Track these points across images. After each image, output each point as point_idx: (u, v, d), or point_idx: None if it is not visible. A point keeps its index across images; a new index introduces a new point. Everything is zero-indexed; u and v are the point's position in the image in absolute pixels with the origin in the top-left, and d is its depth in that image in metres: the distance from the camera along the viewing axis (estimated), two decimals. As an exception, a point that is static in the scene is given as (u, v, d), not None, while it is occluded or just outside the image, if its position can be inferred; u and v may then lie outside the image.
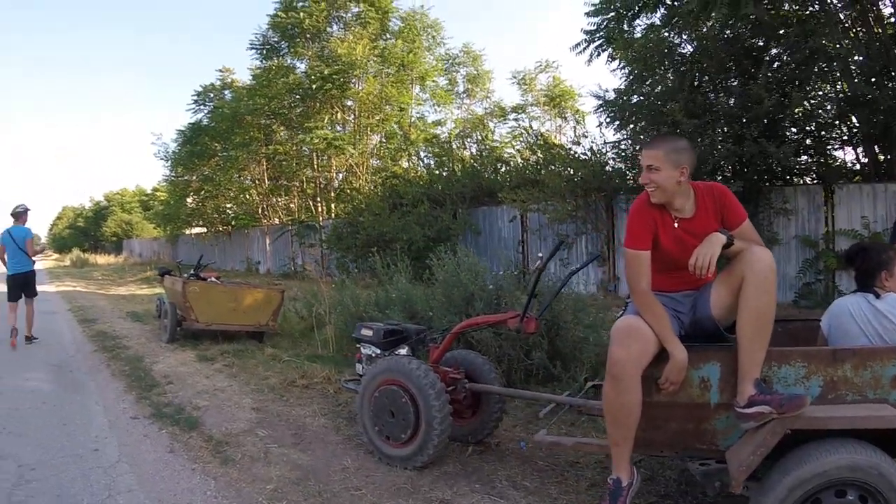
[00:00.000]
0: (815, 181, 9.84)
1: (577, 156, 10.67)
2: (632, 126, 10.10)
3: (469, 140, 21.65)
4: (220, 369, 6.79)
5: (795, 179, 9.93)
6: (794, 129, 9.60)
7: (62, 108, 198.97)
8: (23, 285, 8.59)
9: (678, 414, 2.67)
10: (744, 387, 2.46)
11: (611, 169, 10.45)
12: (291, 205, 23.32)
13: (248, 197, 23.85)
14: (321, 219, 19.44)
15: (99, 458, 4.01)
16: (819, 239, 9.03)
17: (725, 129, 8.82)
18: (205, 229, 27.28)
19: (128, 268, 30.32)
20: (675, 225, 2.73)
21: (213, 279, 9.01)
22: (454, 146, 18.89)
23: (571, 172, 10.24)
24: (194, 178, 25.49)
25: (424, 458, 3.57)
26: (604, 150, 10.61)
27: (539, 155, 12.17)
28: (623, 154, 10.38)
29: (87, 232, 56.76)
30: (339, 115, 20.70)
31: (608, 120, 10.52)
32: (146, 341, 8.72)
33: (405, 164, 19.89)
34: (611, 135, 11.26)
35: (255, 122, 21.66)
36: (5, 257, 8.54)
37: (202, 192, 24.97)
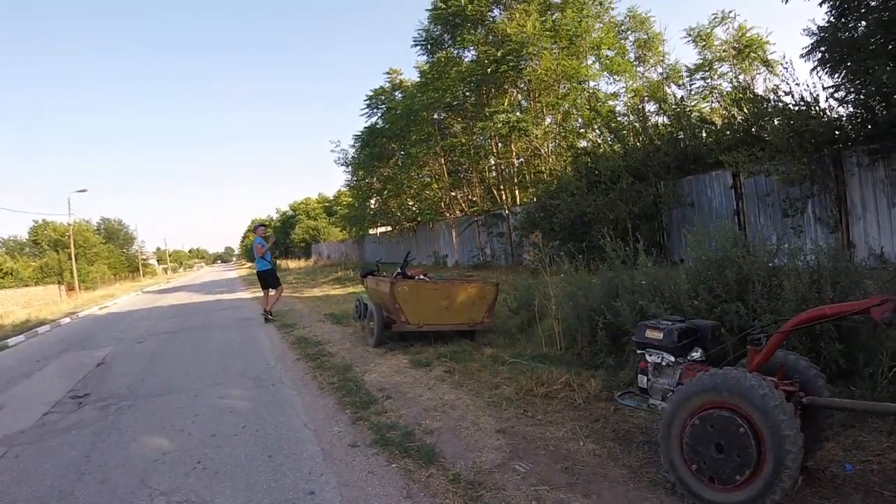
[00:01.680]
0: None
1: (794, 107, 8.96)
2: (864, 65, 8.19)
3: (651, 108, 19.96)
4: (440, 377, 6.15)
5: None
6: None
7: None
8: (263, 278, 12.27)
9: None
10: None
11: (838, 118, 8.66)
12: (471, 196, 23.19)
13: (429, 192, 24.07)
14: (506, 207, 18.97)
15: (317, 507, 3.36)
16: None
17: None
18: (389, 228, 28.15)
19: (318, 270, 32.34)
20: None
21: (421, 276, 8.66)
22: (645, 112, 17.37)
23: (794, 124, 8.58)
24: (375, 179, 26.40)
25: (767, 504, 2.73)
26: (823, 98, 8.78)
27: (745, 110, 10.49)
28: (858, 99, 8.51)
29: (276, 240, 62.25)
30: (516, 97, 20.07)
31: (830, 61, 8.68)
32: (351, 346, 8.35)
33: (592, 140, 18.74)
34: (828, 80, 9.23)
35: (429, 117, 21.75)
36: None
37: (384, 192, 25.73)
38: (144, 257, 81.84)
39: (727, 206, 10.55)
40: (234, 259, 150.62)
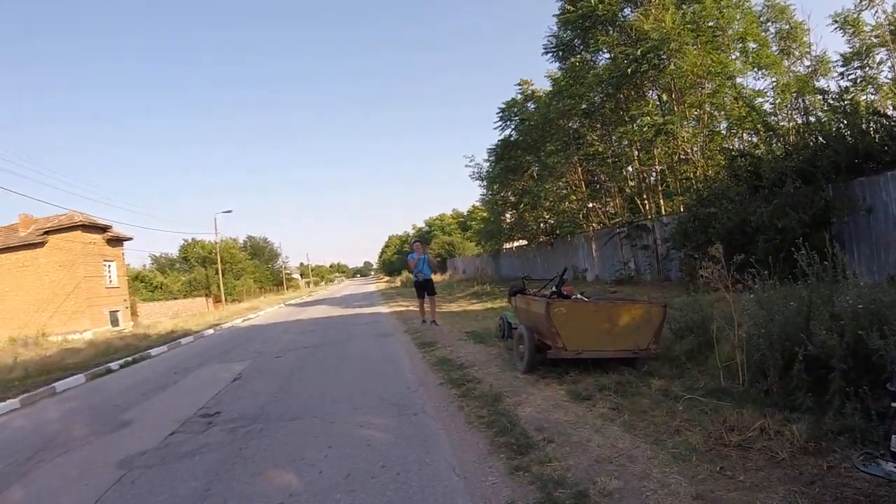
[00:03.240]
0: None
1: None
2: None
3: (802, 103, 17.99)
4: (606, 415, 5.38)
5: None
6: None
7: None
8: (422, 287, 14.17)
9: None
10: None
11: None
12: (608, 208, 22.16)
13: (567, 204, 23.32)
14: (651, 217, 17.85)
15: None
16: None
17: None
18: (525, 242, 27.69)
19: (455, 284, 32.43)
20: None
21: (578, 296, 7.93)
22: (806, 107, 15.68)
23: None
24: (510, 192, 26.10)
25: None
26: None
27: None
28: None
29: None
30: (657, 99, 18.95)
31: None
32: (498, 371, 7.66)
33: (744, 140, 17.22)
34: None
35: (565, 126, 21.10)
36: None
37: (520, 206, 25.32)
38: (288, 272, 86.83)
39: (912, 213, 9.02)
40: (373, 273, 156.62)
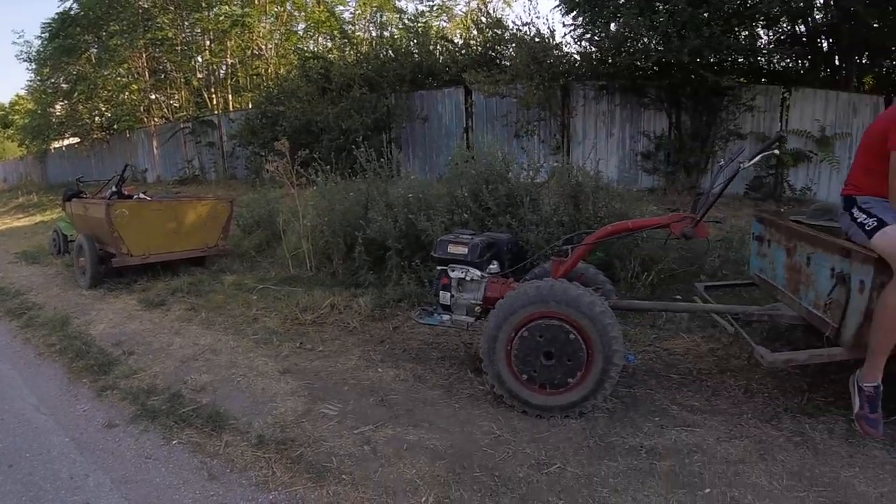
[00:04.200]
0: (774, 82, 9.80)
1: (531, 38, 9.69)
2: (590, 12, 9.19)
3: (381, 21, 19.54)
4: (184, 317, 5.29)
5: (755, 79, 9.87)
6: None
7: None
8: None
9: None
10: None
11: (574, 54, 9.68)
12: (173, 101, 20.38)
13: (127, 95, 20.44)
14: (217, 112, 17.15)
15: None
16: (774, 136, 9.16)
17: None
18: (78, 140, 23.38)
19: (-8, 196, 25.96)
20: None
21: (141, 196, 7.33)
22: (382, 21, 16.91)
23: (535, 53, 9.29)
24: (62, 78, 21.37)
25: (597, 401, 2.93)
26: (560, 33, 9.78)
27: (488, 35, 10.97)
28: (593, 40, 9.55)
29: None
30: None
31: (569, 3, 9.55)
32: (60, 291, 6.77)
33: (321, 44, 17.68)
34: (568, 19, 10.15)
35: (136, 2, 18.18)
36: None
37: (74, 95, 21.05)
38: None
39: (457, 123, 11.01)
40: None
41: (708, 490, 2.46)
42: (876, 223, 2.64)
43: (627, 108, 9.26)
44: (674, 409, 3.09)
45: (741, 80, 9.20)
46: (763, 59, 9.91)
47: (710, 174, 8.86)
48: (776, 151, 3.11)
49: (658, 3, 8.37)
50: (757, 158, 2.95)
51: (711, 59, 8.03)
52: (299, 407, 3.30)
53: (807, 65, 10.85)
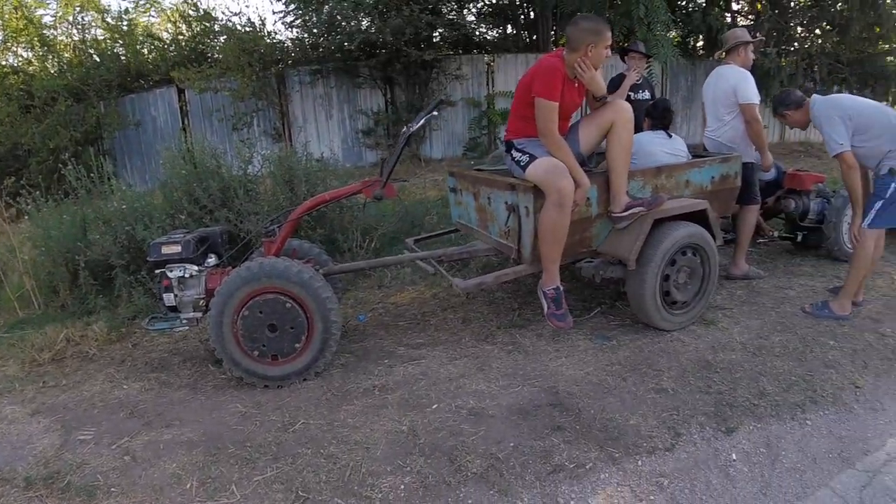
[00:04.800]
0: (479, 52, 10.82)
1: (242, 28, 9.55)
2: None
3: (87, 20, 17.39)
4: None
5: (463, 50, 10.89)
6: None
7: None
8: None
9: (572, 228, 3.23)
10: (620, 199, 3.32)
11: (286, 41, 9.76)
12: None
13: None
14: None
15: None
16: (482, 100, 10.23)
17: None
18: None
19: None
20: (576, 84, 3.29)
21: None
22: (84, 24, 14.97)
23: (244, 44, 9.17)
24: None
25: (327, 359, 3.19)
26: (270, 21, 9.79)
27: (197, 28, 10.49)
28: (304, 25, 9.67)
29: None
30: None
31: None
32: None
33: (20, 56, 15.23)
34: (279, 6, 10.13)
35: None
36: None
37: None
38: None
39: (174, 124, 10.47)
40: None
41: (435, 406, 2.86)
42: (528, 158, 3.21)
43: (343, 88, 9.60)
44: (401, 350, 3.47)
45: (449, 52, 10.09)
46: (468, 31, 10.97)
47: (428, 141, 9.68)
48: (435, 113, 3.58)
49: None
50: (421, 121, 3.40)
51: (413, 37, 8.62)
52: (56, 441, 3.14)
53: (512, 33, 12.28)
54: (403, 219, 5.44)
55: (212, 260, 3.58)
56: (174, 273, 3.45)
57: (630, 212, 3.30)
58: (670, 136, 4.08)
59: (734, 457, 2.51)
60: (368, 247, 4.82)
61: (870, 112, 3.70)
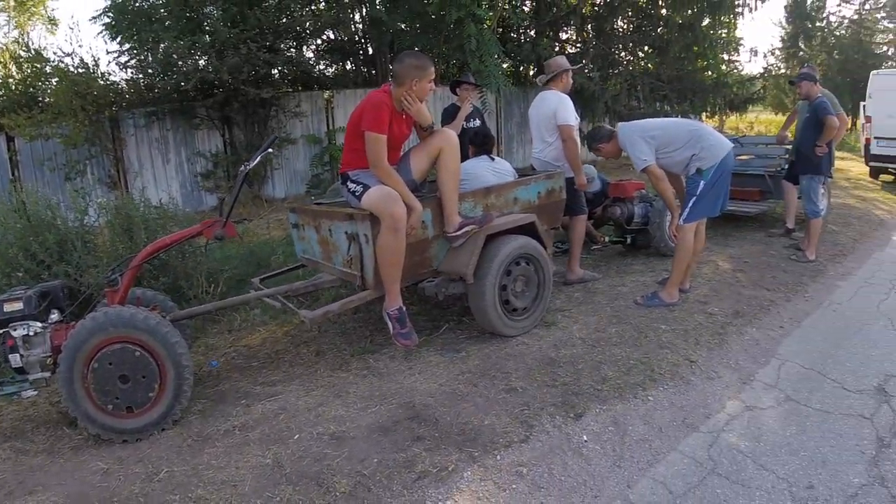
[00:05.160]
0: (319, 88, 10.94)
1: (76, 69, 9.02)
2: (137, 35, 8.98)
3: None
4: None
5: (300, 87, 10.98)
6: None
7: None
8: None
9: (410, 251, 3.46)
10: (453, 219, 3.61)
11: (120, 82, 9.32)
12: None
13: None
14: None
15: None
16: (323, 136, 10.40)
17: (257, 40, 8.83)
18: None
19: None
20: (404, 116, 3.53)
21: None
22: None
23: (76, 87, 8.65)
24: None
25: (183, 405, 3.15)
26: (105, 62, 9.35)
27: (28, 70, 9.72)
28: (139, 65, 9.28)
29: None
30: None
31: (113, 29, 9.15)
32: None
33: None
34: (113, 45, 9.65)
35: None
36: None
37: None
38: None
39: (3, 175, 9.57)
40: None
41: (297, 436, 2.93)
42: (362, 188, 3.41)
43: (180, 131, 9.37)
44: (257, 389, 3.52)
45: (288, 89, 10.13)
46: (307, 68, 11.07)
47: (269, 181, 9.64)
48: (271, 150, 3.74)
49: (204, 24, 8.67)
50: (257, 159, 3.53)
51: (251, 75, 8.61)
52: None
53: (352, 68, 12.55)
54: (249, 260, 5.46)
55: (55, 315, 3.42)
56: (18, 332, 3.26)
57: (464, 230, 3.59)
58: (493, 159, 4.48)
59: (585, 438, 2.79)
60: (214, 291, 4.77)
61: (670, 128, 4.34)
